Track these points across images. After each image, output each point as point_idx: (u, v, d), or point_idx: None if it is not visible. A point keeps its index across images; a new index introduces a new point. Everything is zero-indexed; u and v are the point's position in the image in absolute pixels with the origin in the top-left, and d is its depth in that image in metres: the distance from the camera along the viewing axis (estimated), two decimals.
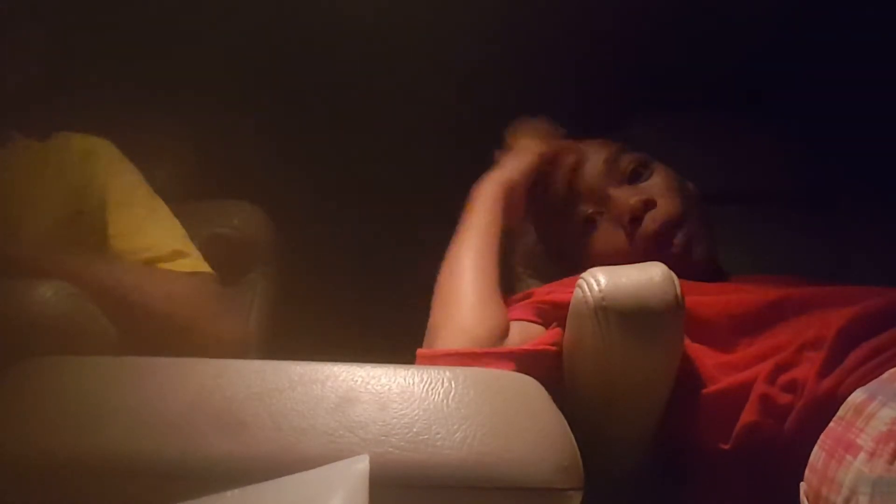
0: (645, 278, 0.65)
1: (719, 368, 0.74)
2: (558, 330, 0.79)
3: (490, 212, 0.94)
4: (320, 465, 0.48)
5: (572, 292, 0.71)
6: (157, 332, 0.85)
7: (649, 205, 0.96)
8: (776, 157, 1.33)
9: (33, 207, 0.93)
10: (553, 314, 0.79)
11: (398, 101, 1.43)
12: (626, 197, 0.97)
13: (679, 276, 0.69)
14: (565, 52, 1.40)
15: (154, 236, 0.95)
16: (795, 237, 1.23)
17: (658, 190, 0.98)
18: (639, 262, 0.93)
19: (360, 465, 0.41)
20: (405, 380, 0.46)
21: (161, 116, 1.27)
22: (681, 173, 1.05)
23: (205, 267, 0.96)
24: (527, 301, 0.86)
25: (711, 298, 0.82)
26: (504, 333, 0.80)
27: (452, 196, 1.46)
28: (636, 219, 0.96)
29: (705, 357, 0.75)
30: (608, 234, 0.99)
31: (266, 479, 0.48)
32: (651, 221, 0.96)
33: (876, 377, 0.63)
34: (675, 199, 0.98)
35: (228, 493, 0.47)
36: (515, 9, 1.37)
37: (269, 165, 1.39)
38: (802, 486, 0.61)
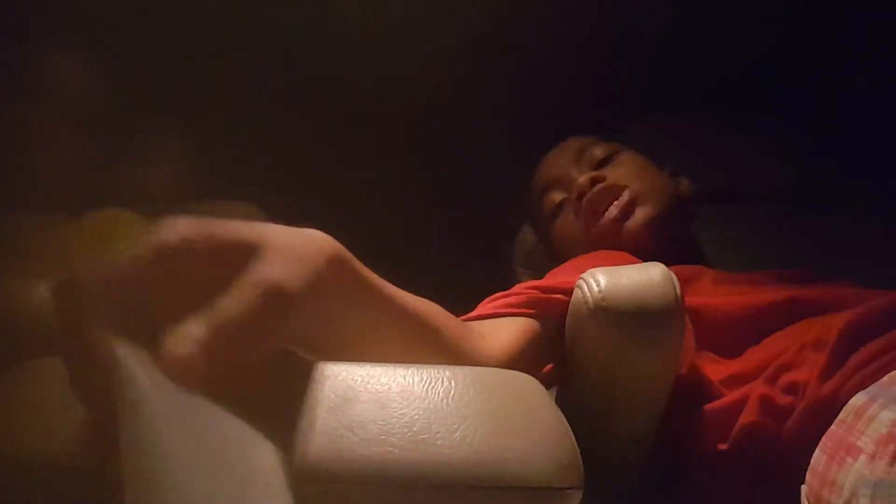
0: (645, 278, 0.65)
1: (725, 384, 0.73)
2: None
3: None
4: None
5: (573, 280, 0.68)
6: None
7: (597, 179, 0.93)
8: (776, 156, 1.33)
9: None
10: (556, 301, 0.72)
11: (400, 101, 1.43)
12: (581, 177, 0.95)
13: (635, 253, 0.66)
14: (565, 53, 1.40)
15: None
16: (795, 237, 1.23)
17: (615, 170, 0.96)
18: (586, 241, 0.92)
19: None
20: (405, 379, 0.45)
21: (161, 116, 1.27)
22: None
23: None
24: (523, 286, 0.75)
25: (719, 300, 0.81)
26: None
27: (453, 196, 1.46)
28: (582, 195, 0.93)
29: (711, 372, 0.74)
30: (566, 217, 0.97)
31: None
32: (591, 194, 0.93)
33: (877, 380, 0.63)
34: (626, 176, 0.94)
35: None
36: (515, 9, 1.37)
37: (269, 165, 1.39)
38: (803, 488, 0.61)
